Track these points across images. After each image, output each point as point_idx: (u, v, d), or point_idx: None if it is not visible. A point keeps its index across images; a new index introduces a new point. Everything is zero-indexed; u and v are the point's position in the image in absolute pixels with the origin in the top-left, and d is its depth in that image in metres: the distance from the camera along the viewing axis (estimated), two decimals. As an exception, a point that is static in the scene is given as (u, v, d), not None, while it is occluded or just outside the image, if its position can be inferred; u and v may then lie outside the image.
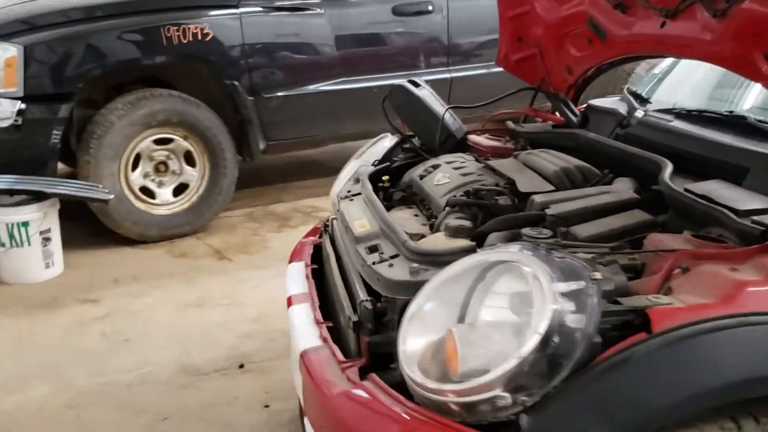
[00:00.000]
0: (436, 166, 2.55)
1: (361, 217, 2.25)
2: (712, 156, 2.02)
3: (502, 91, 6.06)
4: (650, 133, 2.30)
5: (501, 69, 5.90)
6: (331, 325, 2.06)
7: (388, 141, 2.96)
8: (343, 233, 2.31)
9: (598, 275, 1.46)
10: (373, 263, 1.90)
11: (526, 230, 1.85)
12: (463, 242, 1.87)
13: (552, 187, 2.17)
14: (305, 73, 5.13)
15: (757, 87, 2.73)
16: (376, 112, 5.62)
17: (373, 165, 2.85)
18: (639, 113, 2.46)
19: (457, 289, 1.60)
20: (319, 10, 5.09)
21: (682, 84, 3.02)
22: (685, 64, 2.80)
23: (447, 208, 2.17)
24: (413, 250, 1.83)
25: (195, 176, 4.92)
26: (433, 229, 2.18)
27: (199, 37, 4.65)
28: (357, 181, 2.70)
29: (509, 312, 1.52)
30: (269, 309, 3.82)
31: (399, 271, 1.81)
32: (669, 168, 1.99)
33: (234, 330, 3.63)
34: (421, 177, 2.53)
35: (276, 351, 3.41)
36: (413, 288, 1.73)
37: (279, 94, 5.04)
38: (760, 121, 2.05)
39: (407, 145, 2.95)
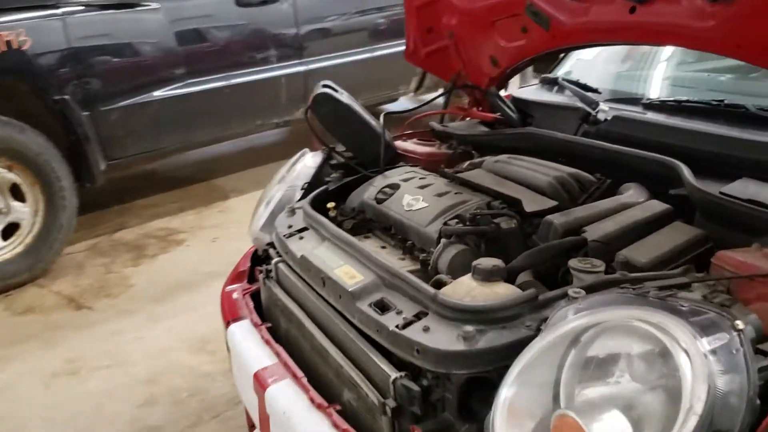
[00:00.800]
0: (393, 186, 2.19)
1: (339, 263, 1.84)
2: (722, 152, 1.87)
3: (368, 82, 5.91)
4: (635, 129, 2.11)
5: (366, 56, 5.84)
6: (339, 408, 1.66)
7: (311, 159, 2.53)
8: (314, 284, 1.89)
9: (740, 324, 1.21)
10: (397, 327, 1.53)
11: (573, 263, 1.57)
12: (512, 289, 1.55)
13: (554, 202, 1.91)
14: (146, 79, 4.45)
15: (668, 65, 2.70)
16: (232, 115, 5.18)
17: (303, 189, 2.42)
18: (604, 107, 2.27)
19: (546, 365, 1.28)
20: (154, 5, 4.42)
21: (591, 66, 2.91)
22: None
23: (443, 240, 1.83)
24: (456, 307, 1.48)
25: (27, 213, 4.10)
26: (430, 266, 1.83)
27: (14, 46, 3.82)
28: (292, 212, 2.27)
29: (629, 382, 1.23)
30: (161, 364, 3.26)
31: (444, 338, 1.45)
32: (686, 170, 1.80)
33: (128, 399, 3.02)
34: (379, 200, 2.16)
35: (189, 415, 2.87)
36: (473, 358, 1.39)
37: (118, 105, 4.34)
38: (763, 109, 1.92)
39: (334, 161, 2.54)
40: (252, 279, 2.39)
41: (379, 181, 2.29)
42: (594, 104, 2.31)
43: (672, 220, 1.72)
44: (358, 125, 2.45)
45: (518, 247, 1.84)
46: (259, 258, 2.44)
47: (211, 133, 4.97)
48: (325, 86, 2.52)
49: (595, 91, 2.47)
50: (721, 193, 1.69)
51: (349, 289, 1.70)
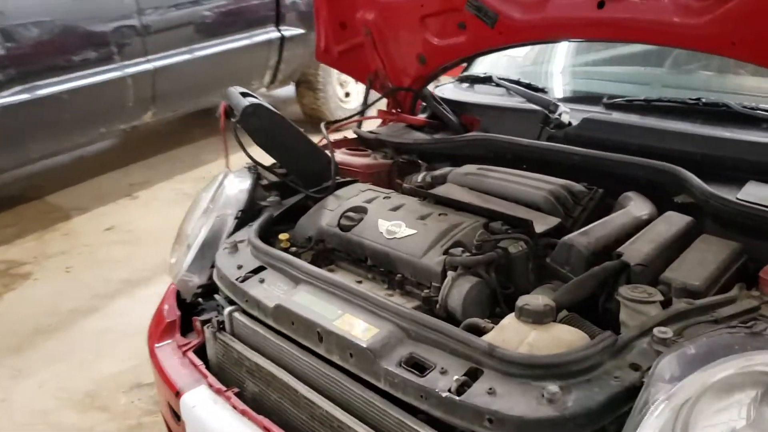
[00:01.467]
0: (358, 210, 1.91)
1: (336, 312, 1.54)
2: (717, 154, 1.80)
3: (221, 78, 5.37)
4: (611, 132, 1.99)
5: (218, 50, 5.31)
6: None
7: (237, 181, 2.16)
8: (304, 339, 1.57)
9: None
10: (451, 391, 1.27)
11: (625, 292, 1.41)
12: (575, 332, 1.35)
13: (556, 219, 1.74)
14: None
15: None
16: (72, 124, 4.45)
17: (236, 218, 2.06)
18: (563, 109, 2.14)
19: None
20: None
21: (510, 63, 2.80)
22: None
23: (450, 273, 1.60)
24: (524, 362, 1.26)
25: None
26: (439, 304, 1.59)
27: None
28: (235, 248, 1.91)
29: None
30: (41, 431, 2.70)
31: (522, 402, 1.22)
32: (692, 176, 1.71)
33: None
34: (345, 228, 1.87)
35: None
36: (566, 425, 1.18)
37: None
38: (749, 108, 1.88)
39: (265, 181, 2.20)
40: (186, 331, 1.99)
41: (332, 204, 1.99)
42: (552, 105, 2.17)
43: (698, 233, 1.61)
44: (296, 139, 2.13)
45: (526, 273, 1.65)
46: (187, 304, 2.05)
47: (49, 147, 4.31)
48: (245, 95, 2.16)
49: (541, 90, 2.34)
50: (738, 199, 1.61)
51: (366, 346, 1.42)
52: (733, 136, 1.82)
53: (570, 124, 2.11)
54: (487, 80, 2.57)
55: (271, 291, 1.71)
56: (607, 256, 1.58)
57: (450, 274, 1.60)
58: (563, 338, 1.33)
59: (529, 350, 1.32)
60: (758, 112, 1.85)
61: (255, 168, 2.20)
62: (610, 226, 1.65)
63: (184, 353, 1.89)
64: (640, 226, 1.66)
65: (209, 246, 2.02)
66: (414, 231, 1.75)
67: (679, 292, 1.41)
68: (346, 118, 2.55)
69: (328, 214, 1.96)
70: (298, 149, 2.13)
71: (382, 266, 1.77)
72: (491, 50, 2.34)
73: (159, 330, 2.01)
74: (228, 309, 1.80)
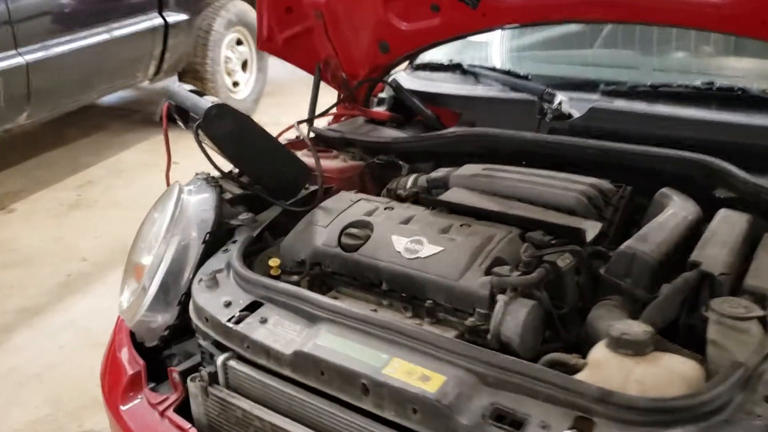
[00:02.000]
0: (361, 225, 1.63)
1: (382, 357, 1.26)
2: (747, 142, 1.68)
3: (103, 71, 4.78)
4: (624, 122, 1.83)
5: (98, 40, 4.70)
6: None
7: (197, 196, 1.80)
8: (341, 392, 1.29)
9: None
10: None
11: (719, 307, 1.24)
12: (689, 363, 1.16)
13: (599, 224, 1.55)
14: None
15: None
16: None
17: (204, 242, 1.72)
18: (561, 97, 1.95)
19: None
20: None
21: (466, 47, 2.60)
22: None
23: (501, 297, 1.37)
24: (648, 408, 1.06)
25: None
26: (491, 334, 1.36)
27: None
28: (214, 280, 1.58)
29: None
30: None
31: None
32: (734, 168, 1.58)
33: None
34: (348, 247, 1.59)
35: None
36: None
37: None
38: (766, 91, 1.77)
39: (228, 194, 1.86)
40: (156, 382, 1.64)
41: (323, 218, 1.70)
42: (546, 94, 1.98)
43: (758, 232, 1.48)
44: (266, 143, 1.81)
45: (575, 289, 1.46)
46: (147, 350, 1.70)
47: None
48: (198, 93, 1.82)
49: (525, 78, 2.15)
50: None
51: (435, 398, 1.16)
52: (757, 122, 1.71)
53: (570, 114, 1.93)
54: (453, 68, 2.35)
55: (280, 333, 1.40)
56: (669, 266, 1.42)
57: (500, 298, 1.37)
58: (676, 370, 1.14)
59: (640, 389, 1.12)
60: (778, 95, 1.76)
61: (215, 179, 1.86)
62: (666, 230, 1.48)
63: (163, 413, 1.55)
64: (692, 228, 1.51)
65: (174, 278, 1.68)
66: (440, 248, 1.50)
67: (785, 305, 1.26)
68: (318, 116, 2.25)
69: (321, 231, 1.67)
70: (270, 155, 1.81)
71: (402, 291, 1.51)
72: (469, 34, 2.12)
73: (120, 386, 1.64)
74: (221, 357, 1.47)
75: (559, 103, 1.93)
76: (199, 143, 1.73)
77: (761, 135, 1.69)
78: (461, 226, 1.57)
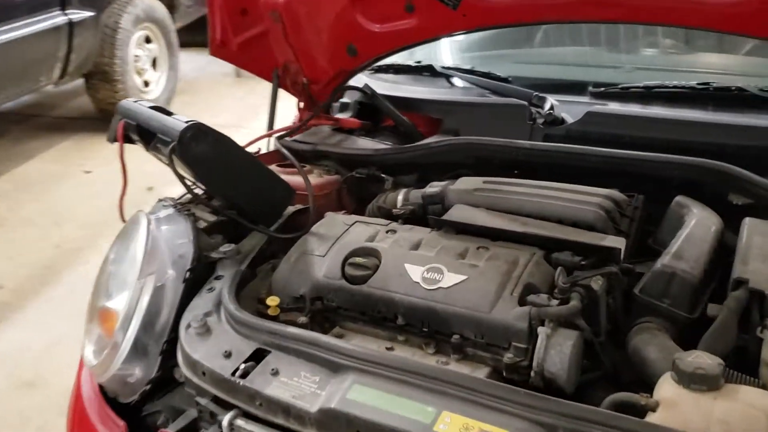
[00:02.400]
0: (366, 253, 1.48)
1: (426, 411, 1.12)
2: (754, 144, 1.63)
3: (3, 75, 4.31)
4: (624, 127, 1.75)
5: (3, 39, 4.22)
6: None
7: (169, 227, 1.59)
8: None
9: None
10: None
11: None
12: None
13: (622, 240, 1.46)
14: None
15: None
16: None
17: (185, 281, 1.51)
18: (551, 101, 1.84)
19: None
20: None
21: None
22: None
23: (542, 329, 1.25)
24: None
25: None
26: (534, 371, 1.24)
27: None
28: (205, 328, 1.39)
29: None
30: None
31: None
32: (748, 173, 1.53)
33: None
34: (357, 280, 1.43)
35: None
36: None
37: None
38: (764, 90, 1.73)
39: (202, 223, 1.65)
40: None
41: (318, 247, 1.53)
42: (535, 98, 1.88)
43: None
44: (245, 164, 1.61)
45: (606, 312, 1.36)
46: (123, 406, 1.49)
47: None
48: (163, 111, 1.61)
49: (505, 80, 2.03)
50: None
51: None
52: (758, 123, 1.67)
53: (563, 120, 1.83)
54: (422, 69, 2.21)
55: (298, 386, 1.24)
56: (707, 284, 1.34)
57: (542, 330, 1.26)
58: (757, 405, 1.06)
59: (725, 430, 1.04)
60: (778, 94, 1.73)
61: (186, 206, 1.65)
62: (699, 244, 1.40)
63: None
64: (720, 240, 1.44)
65: (151, 325, 1.47)
66: (463, 276, 1.37)
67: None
68: (300, 126, 2.05)
69: (319, 261, 1.50)
70: (250, 176, 1.62)
71: (423, 326, 1.37)
72: (445, 36, 1.99)
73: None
74: (227, 417, 1.28)
75: (551, 108, 1.83)
76: (175, 169, 1.52)
77: (763, 136, 1.65)
78: (478, 249, 1.44)
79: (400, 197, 1.77)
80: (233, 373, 1.28)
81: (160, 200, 1.72)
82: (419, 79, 2.22)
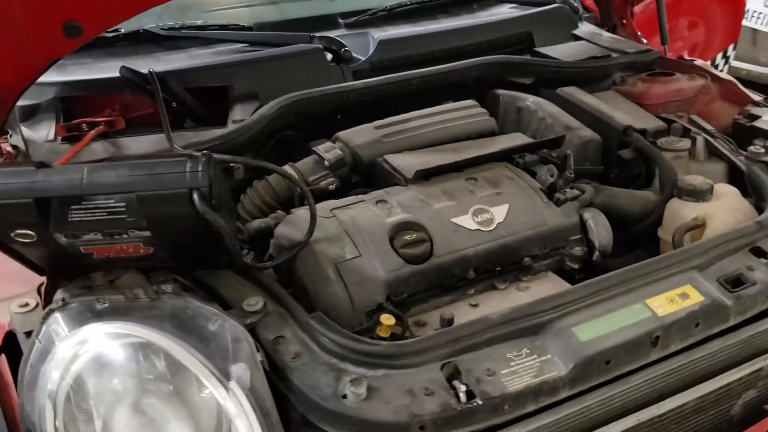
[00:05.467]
0: (406, 229, 1.31)
1: (639, 308, 1.23)
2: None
3: None
4: (411, 48, 1.82)
5: None
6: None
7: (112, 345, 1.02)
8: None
9: None
10: None
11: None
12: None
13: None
14: None
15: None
16: None
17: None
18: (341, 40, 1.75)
19: None
20: None
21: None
22: None
23: (586, 214, 1.45)
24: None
25: None
26: (598, 251, 1.44)
27: None
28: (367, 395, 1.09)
29: None
30: None
31: None
32: (520, 57, 1.92)
33: None
34: (419, 257, 1.29)
35: None
36: None
37: None
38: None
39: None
40: None
41: (336, 250, 1.28)
42: (319, 39, 1.78)
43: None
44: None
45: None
46: None
47: None
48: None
49: (243, 28, 1.81)
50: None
51: (712, 300, 1.26)
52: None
53: (352, 56, 1.81)
54: (131, 38, 1.76)
55: (524, 367, 1.14)
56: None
57: (587, 217, 1.45)
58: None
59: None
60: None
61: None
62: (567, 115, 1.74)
63: None
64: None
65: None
66: (504, 206, 1.41)
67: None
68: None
69: (364, 262, 1.26)
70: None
71: (496, 266, 1.38)
72: None
73: None
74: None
75: (347, 48, 1.78)
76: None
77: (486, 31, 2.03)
78: (467, 180, 1.46)
79: (320, 173, 1.52)
80: (460, 400, 1.07)
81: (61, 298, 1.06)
82: (130, 50, 1.76)
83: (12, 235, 1.01)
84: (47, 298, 1.18)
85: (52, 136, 1.56)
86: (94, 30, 1.55)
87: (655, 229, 1.54)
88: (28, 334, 1.15)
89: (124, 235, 1.04)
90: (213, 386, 1.02)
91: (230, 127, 1.55)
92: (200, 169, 1.01)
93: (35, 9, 1.46)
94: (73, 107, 1.67)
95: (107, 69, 1.69)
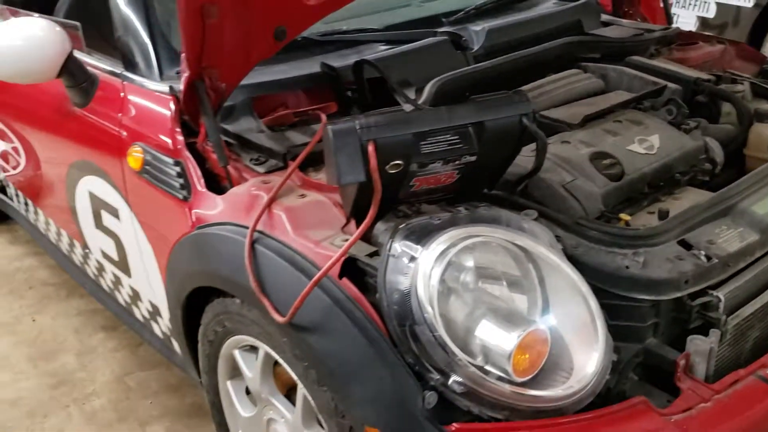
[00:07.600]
0: (604, 157, 1.69)
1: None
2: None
3: None
4: (512, 34, 2.19)
5: None
6: None
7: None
8: None
9: None
10: None
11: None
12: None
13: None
14: None
15: None
16: None
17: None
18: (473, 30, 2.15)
19: None
20: None
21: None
22: None
23: (709, 140, 1.89)
24: None
25: None
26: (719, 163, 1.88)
27: None
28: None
29: None
30: None
31: None
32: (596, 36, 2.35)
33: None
34: (617, 176, 1.67)
35: None
36: None
37: None
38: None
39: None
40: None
41: (558, 177, 1.63)
42: (451, 34, 2.14)
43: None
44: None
45: None
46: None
47: None
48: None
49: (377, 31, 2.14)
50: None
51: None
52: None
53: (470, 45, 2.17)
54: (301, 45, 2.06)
55: (724, 236, 1.53)
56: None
57: (706, 138, 1.88)
58: None
59: None
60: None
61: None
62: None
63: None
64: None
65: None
66: (656, 135, 1.81)
67: None
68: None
69: (581, 183, 1.62)
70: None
71: (659, 180, 1.77)
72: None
73: None
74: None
75: (468, 37, 2.15)
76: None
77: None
78: (616, 122, 1.85)
79: None
80: (704, 261, 1.45)
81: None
82: (291, 56, 2.04)
83: (386, 167, 1.30)
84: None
85: (263, 127, 1.83)
86: (293, 33, 1.84)
87: (735, 153, 1.99)
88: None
89: (457, 161, 1.35)
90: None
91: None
92: (525, 100, 1.35)
93: (260, 18, 1.72)
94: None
95: (280, 72, 1.98)
